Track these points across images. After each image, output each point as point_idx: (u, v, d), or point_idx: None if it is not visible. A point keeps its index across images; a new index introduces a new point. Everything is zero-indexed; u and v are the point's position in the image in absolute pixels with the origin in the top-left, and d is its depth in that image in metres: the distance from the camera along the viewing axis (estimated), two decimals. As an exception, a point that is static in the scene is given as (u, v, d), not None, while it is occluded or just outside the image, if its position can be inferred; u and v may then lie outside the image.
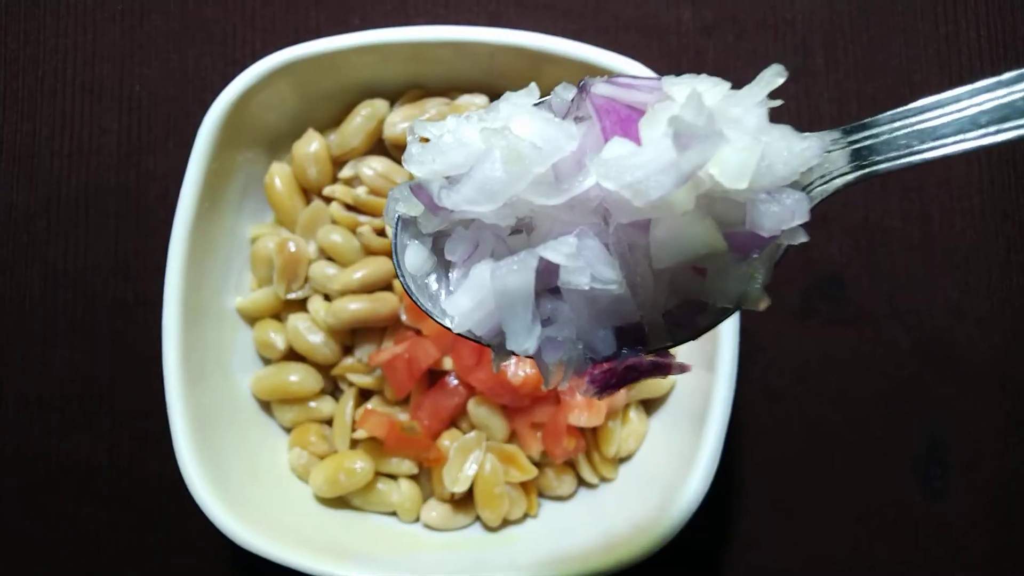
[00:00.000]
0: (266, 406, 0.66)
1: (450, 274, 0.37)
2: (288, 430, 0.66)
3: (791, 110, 0.69)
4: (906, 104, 0.33)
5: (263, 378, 0.65)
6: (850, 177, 0.33)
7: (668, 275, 0.33)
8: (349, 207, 0.65)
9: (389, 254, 0.64)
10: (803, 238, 0.32)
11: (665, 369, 0.36)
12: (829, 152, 0.33)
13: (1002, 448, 0.67)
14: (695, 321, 0.35)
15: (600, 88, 0.33)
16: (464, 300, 0.34)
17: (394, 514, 0.64)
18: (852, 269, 0.68)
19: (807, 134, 0.33)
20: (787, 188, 0.32)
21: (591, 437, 0.63)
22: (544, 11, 0.71)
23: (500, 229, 0.34)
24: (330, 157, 0.65)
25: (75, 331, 0.70)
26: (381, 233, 0.64)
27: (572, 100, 0.35)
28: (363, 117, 0.64)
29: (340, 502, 0.64)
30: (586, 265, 0.32)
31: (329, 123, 0.66)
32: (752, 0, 0.70)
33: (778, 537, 0.67)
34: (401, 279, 0.37)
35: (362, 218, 0.64)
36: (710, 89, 0.32)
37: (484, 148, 0.33)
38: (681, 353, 0.63)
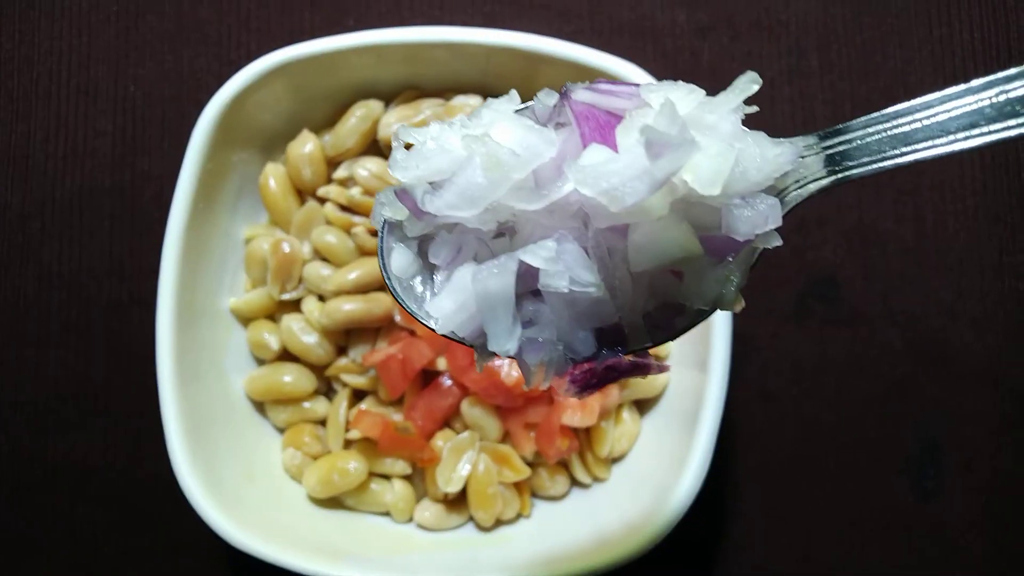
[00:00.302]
0: (260, 407, 0.66)
1: (435, 276, 0.37)
2: (282, 430, 0.66)
3: (785, 112, 0.69)
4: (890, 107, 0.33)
5: (257, 378, 0.65)
6: (825, 182, 0.34)
7: (647, 278, 0.34)
8: (343, 208, 0.65)
9: (383, 255, 0.64)
10: (777, 242, 0.33)
11: (645, 369, 0.37)
12: (804, 157, 0.34)
13: (995, 448, 0.67)
14: (673, 323, 0.35)
15: (580, 95, 0.34)
16: (447, 302, 0.35)
17: (387, 514, 0.64)
18: (846, 270, 0.69)
19: (781, 140, 0.34)
20: (761, 193, 0.32)
21: (584, 437, 0.63)
22: (539, 12, 0.71)
23: (483, 233, 0.35)
24: (325, 158, 0.66)
25: (70, 331, 0.70)
26: (375, 234, 0.64)
27: (554, 106, 0.35)
28: (358, 118, 0.64)
29: (334, 502, 0.64)
30: (565, 268, 0.32)
31: (324, 124, 0.66)
32: (747, 2, 0.70)
33: (772, 538, 0.67)
34: (387, 281, 0.38)
35: (356, 219, 0.64)
36: (685, 96, 0.33)
37: (465, 155, 0.34)
38: (674, 355, 0.63)
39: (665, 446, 0.61)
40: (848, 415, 0.68)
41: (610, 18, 0.71)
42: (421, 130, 0.36)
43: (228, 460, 0.62)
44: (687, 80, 0.35)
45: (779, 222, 0.32)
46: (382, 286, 0.64)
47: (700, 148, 0.31)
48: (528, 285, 0.34)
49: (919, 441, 0.68)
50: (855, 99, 0.69)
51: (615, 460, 0.64)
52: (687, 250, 0.32)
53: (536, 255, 0.32)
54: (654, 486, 0.59)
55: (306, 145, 0.65)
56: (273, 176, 0.65)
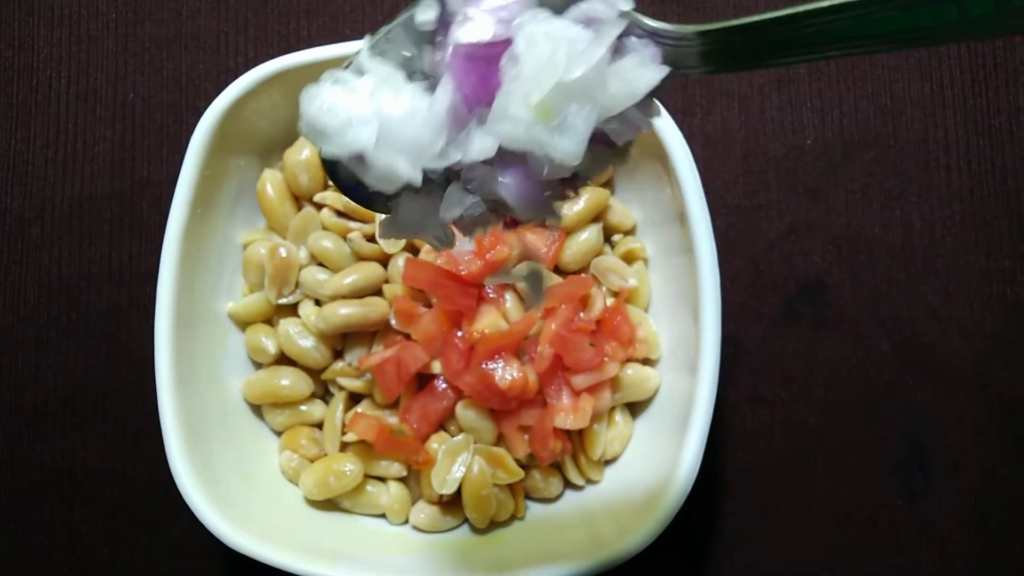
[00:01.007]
0: (257, 410, 0.67)
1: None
2: (279, 433, 0.67)
3: (775, 119, 0.70)
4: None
5: (254, 382, 0.65)
6: (699, 71, 0.36)
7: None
8: (340, 213, 0.66)
9: (380, 260, 0.65)
10: (652, 127, 0.38)
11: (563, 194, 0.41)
12: (683, 48, 0.35)
13: (982, 450, 0.68)
14: (581, 182, 0.40)
15: (459, 48, 0.36)
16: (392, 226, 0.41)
17: (383, 516, 0.65)
18: (835, 276, 0.70)
19: (656, 52, 0.35)
20: (631, 108, 0.35)
21: (577, 440, 0.64)
22: (533, 21, 0.72)
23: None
24: (321, 164, 0.66)
25: (69, 336, 0.71)
26: (372, 239, 0.65)
27: (433, 32, 0.37)
28: (354, 125, 0.65)
29: (330, 504, 0.65)
30: (481, 185, 0.37)
31: (320, 131, 0.67)
32: (736, 10, 0.71)
33: (763, 539, 0.68)
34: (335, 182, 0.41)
35: (352, 224, 0.65)
36: (548, 63, 0.34)
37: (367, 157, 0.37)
38: (665, 359, 0.64)
39: (657, 448, 0.62)
40: (837, 418, 0.69)
41: (603, 26, 0.71)
42: (316, 97, 0.37)
43: (225, 463, 0.62)
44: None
45: (650, 126, 0.36)
46: (378, 291, 0.64)
47: (556, 146, 0.35)
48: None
49: (907, 443, 0.69)
50: (843, 106, 0.71)
51: (608, 462, 0.65)
52: (579, 156, 0.35)
53: (456, 209, 0.38)
54: (646, 487, 0.59)
55: (303, 151, 0.65)
56: (270, 182, 0.66)
